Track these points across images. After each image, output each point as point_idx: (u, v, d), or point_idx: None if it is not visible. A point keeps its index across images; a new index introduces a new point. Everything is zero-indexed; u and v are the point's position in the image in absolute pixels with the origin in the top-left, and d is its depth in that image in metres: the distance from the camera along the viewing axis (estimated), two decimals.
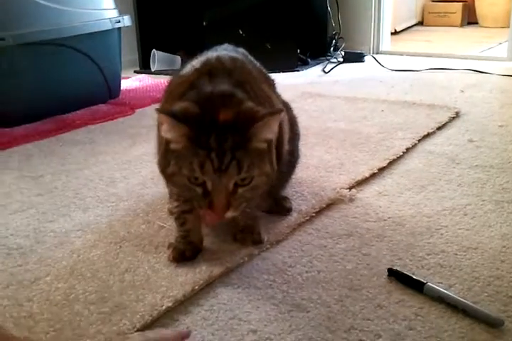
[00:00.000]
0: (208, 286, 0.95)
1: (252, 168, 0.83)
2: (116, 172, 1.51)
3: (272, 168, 0.89)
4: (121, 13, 2.33)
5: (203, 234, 1.08)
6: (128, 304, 0.90)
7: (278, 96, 1.16)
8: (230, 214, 0.84)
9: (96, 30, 2.18)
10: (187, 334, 0.80)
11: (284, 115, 1.11)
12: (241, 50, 1.15)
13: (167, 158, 0.86)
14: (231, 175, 0.81)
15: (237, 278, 0.98)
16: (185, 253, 1.04)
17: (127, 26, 2.35)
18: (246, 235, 1.08)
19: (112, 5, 2.29)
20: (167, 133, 0.84)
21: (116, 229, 1.18)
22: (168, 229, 1.15)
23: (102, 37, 2.23)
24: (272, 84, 1.16)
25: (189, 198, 0.88)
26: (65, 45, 2.09)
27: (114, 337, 0.82)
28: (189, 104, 0.85)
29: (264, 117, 0.83)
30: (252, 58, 1.14)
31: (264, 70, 1.15)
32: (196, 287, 0.94)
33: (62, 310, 0.90)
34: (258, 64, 1.14)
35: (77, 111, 2.17)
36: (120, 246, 1.10)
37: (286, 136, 1.11)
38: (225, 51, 1.09)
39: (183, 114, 0.83)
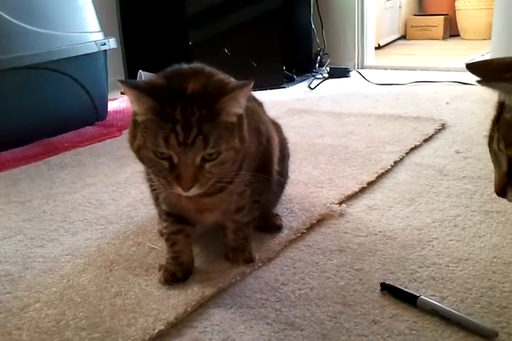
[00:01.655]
0: (200, 307, 0.94)
1: (219, 142, 0.82)
2: (105, 195, 1.50)
3: (242, 143, 0.87)
4: (106, 35, 2.33)
5: (194, 255, 1.07)
6: (120, 329, 0.89)
7: (266, 118, 1.15)
8: (197, 189, 0.83)
9: (82, 53, 2.19)
10: None
11: (275, 136, 1.12)
12: None
13: (134, 131, 0.85)
14: (197, 149, 0.80)
15: (229, 298, 0.97)
16: (177, 274, 1.02)
17: (113, 49, 2.36)
18: (237, 254, 1.07)
19: (98, 28, 2.30)
20: (133, 106, 0.83)
21: (105, 252, 1.17)
22: (159, 251, 1.14)
23: (88, 60, 2.23)
24: (259, 104, 1.17)
25: (156, 174, 0.85)
26: (51, 69, 2.09)
27: None
28: (157, 78, 0.85)
29: (233, 90, 0.82)
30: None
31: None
32: (189, 308, 0.93)
33: (53, 338, 0.88)
34: None
35: (65, 134, 2.16)
36: (110, 270, 1.09)
37: (276, 158, 1.11)
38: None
39: (148, 86, 0.83)
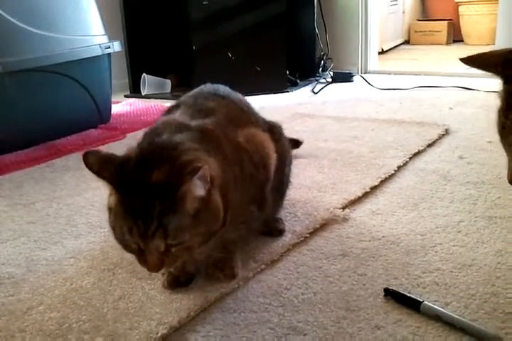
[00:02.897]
0: (203, 312, 0.94)
1: (181, 233, 0.81)
2: None
3: (216, 219, 0.87)
4: (110, 38, 2.35)
5: None
6: (123, 332, 0.89)
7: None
8: (165, 270, 0.87)
9: (86, 56, 2.20)
10: None
11: (268, 153, 1.11)
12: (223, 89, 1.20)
13: (110, 198, 0.86)
14: (158, 241, 0.81)
15: (232, 302, 0.97)
16: (180, 279, 1.02)
17: (117, 52, 2.37)
18: (216, 270, 1.03)
19: (102, 31, 2.31)
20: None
21: (109, 255, 1.17)
22: None
23: (92, 63, 2.25)
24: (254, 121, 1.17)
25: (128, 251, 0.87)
26: (55, 72, 2.10)
27: None
28: (128, 157, 0.86)
29: (190, 175, 0.79)
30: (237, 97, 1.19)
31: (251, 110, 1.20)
32: (191, 313, 0.93)
33: None
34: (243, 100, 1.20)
35: (68, 137, 2.17)
36: (113, 273, 1.09)
37: (271, 176, 1.10)
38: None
39: (116, 172, 0.83)
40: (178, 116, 1.04)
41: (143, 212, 0.80)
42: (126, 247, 0.85)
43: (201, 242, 0.87)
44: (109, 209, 0.87)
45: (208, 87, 1.22)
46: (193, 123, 0.99)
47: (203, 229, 0.85)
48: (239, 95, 1.24)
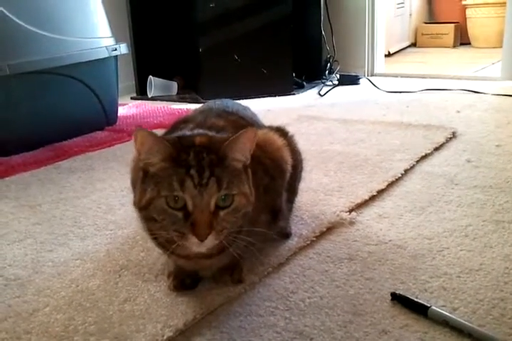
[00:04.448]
0: (209, 315, 0.94)
1: (231, 185, 0.84)
2: (115, 200, 1.50)
3: (251, 191, 0.89)
4: (117, 40, 2.35)
5: None
6: (128, 334, 0.89)
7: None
8: (213, 238, 0.83)
9: (93, 58, 2.21)
10: None
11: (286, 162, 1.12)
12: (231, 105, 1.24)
13: (143, 186, 0.87)
14: (211, 191, 0.82)
15: (239, 306, 0.96)
16: (186, 281, 1.02)
17: (124, 54, 2.38)
18: (224, 274, 1.02)
19: (109, 33, 2.32)
20: (146, 155, 0.85)
21: (115, 257, 1.17)
22: (168, 258, 1.13)
23: (98, 65, 2.25)
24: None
25: (168, 228, 0.85)
26: (62, 74, 2.11)
27: None
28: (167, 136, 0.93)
29: (230, 138, 0.86)
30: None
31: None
32: (198, 316, 0.92)
33: None
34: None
35: (75, 139, 2.17)
36: (119, 275, 1.09)
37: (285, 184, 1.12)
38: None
39: (161, 136, 0.88)
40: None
41: (195, 164, 0.83)
42: (170, 215, 0.83)
43: (244, 208, 0.87)
44: (143, 182, 0.87)
45: (216, 104, 1.23)
46: None
47: (247, 190, 0.88)
48: (248, 111, 1.25)
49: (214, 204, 0.83)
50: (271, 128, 1.21)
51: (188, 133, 0.97)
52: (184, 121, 1.12)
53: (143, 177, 0.88)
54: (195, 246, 0.84)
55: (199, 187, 0.82)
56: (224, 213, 0.85)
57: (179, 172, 0.83)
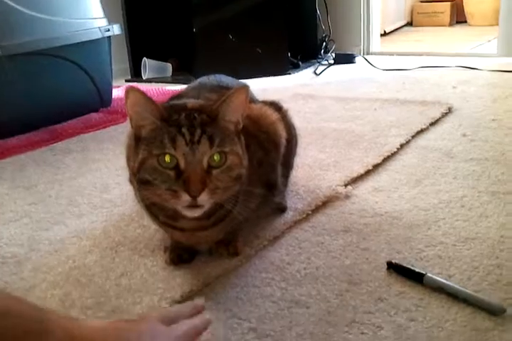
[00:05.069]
0: (206, 287, 0.94)
1: (223, 143, 0.84)
2: (110, 179, 1.50)
3: (244, 154, 0.89)
4: (110, 21, 2.33)
5: None
6: (125, 307, 0.89)
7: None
8: (206, 196, 0.82)
9: (86, 39, 2.18)
10: (202, 307, 0.82)
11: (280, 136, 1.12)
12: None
13: (136, 150, 0.86)
14: (204, 148, 0.82)
15: (235, 277, 0.97)
16: (182, 255, 1.02)
17: (117, 35, 2.35)
18: (221, 248, 1.02)
19: (101, 14, 2.29)
20: (137, 116, 0.85)
21: (111, 234, 1.16)
22: (165, 233, 1.13)
23: (92, 46, 2.23)
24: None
25: (160, 187, 0.84)
26: (54, 55, 2.08)
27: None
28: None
29: (221, 98, 0.86)
30: None
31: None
32: (194, 288, 0.93)
33: None
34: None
35: (70, 121, 2.15)
36: (116, 251, 1.09)
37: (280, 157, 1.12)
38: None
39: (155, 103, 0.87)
40: None
41: (187, 123, 0.83)
42: (162, 174, 0.82)
43: (238, 169, 0.87)
44: (136, 146, 0.87)
45: (210, 79, 1.22)
46: None
47: (239, 150, 0.87)
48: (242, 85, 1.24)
49: (207, 162, 0.83)
50: (265, 102, 1.21)
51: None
52: (177, 96, 1.11)
53: (135, 145, 0.87)
54: (188, 206, 0.83)
55: (191, 145, 0.82)
56: (217, 172, 0.84)
57: (170, 131, 0.83)
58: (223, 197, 0.87)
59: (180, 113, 0.85)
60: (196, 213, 0.85)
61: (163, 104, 0.91)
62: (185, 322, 0.76)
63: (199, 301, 0.85)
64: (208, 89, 1.13)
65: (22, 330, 0.60)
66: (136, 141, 0.87)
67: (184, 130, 0.82)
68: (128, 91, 0.83)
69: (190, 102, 0.92)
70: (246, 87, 0.87)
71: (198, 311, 0.81)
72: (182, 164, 0.82)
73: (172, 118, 0.85)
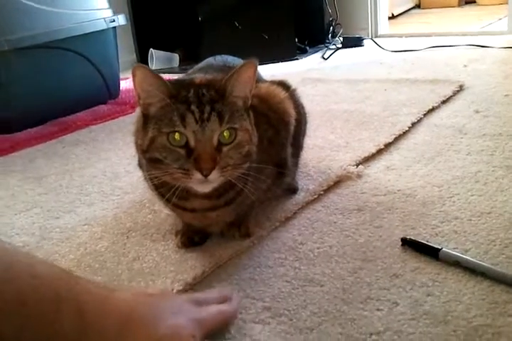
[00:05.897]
0: (218, 268, 0.93)
1: (232, 119, 0.83)
2: (120, 167, 1.49)
3: (253, 131, 0.88)
4: (115, 12, 2.31)
5: None
6: None
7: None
8: (217, 174, 0.81)
9: (91, 30, 2.17)
10: (231, 294, 0.80)
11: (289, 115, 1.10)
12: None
13: (145, 128, 0.85)
14: (214, 125, 0.81)
15: (247, 258, 0.96)
16: (194, 238, 1.01)
17: (122, 25, 2.34)
18: (233, 229, 1.02)
19: (106, 4, 2.28)
20: (145, 93, 0.84)
21: (122, 220, 1.16)
22: (176, 218, 1.12)
23: (97, 37, 2.22)
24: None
25: (171, 166, 0.83)
26: (60, 48, 2.08)
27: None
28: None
29: (229, 74, 0.85)
30: None
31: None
32: (207, 269, 0.92)
33: None
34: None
35: (78, 113, 2.16)
36: (127, 237, 1.08)
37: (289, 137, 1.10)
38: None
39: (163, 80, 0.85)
40: None
41: (196, 100, 0.82)
42: (172, 153, 0.82)
43: (248, 145, 0.86)
44: (145, 124, 0.86)
45: (217, 59, 1.21)
46: None
47: (249, 127, 0.87)
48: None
49: (217, 140, 0.82)
50: (273, 82, 1.19)
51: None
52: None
53: (144, 123, 0.86)
54: (199, 183, 0.83)
55: (201, 122, 0.80)
56: (227, 149, 0.83)
57: (180, 108, 0.81)
58: (234, 174, 0.86)
59: (189, 89, 0.84)
60: (207, 188, 0.85)
61: (171, 81, 0.90)
62: (214, 306, 0.75)
63: (226, 290, 0.84)
64: (214, 68, 1.12)
65: (54, 292, 0.61)
66: (145, 119, 0.86)
67: (193, 107, 0.81)
68: (135, 68, 0.82)
69: (198, 77, 0.90)
70: (254, 61, 0.85)
71: (226, 299, 0.79)
72: (192, 142, 0.81)
73: (181, 95, 0.83)
